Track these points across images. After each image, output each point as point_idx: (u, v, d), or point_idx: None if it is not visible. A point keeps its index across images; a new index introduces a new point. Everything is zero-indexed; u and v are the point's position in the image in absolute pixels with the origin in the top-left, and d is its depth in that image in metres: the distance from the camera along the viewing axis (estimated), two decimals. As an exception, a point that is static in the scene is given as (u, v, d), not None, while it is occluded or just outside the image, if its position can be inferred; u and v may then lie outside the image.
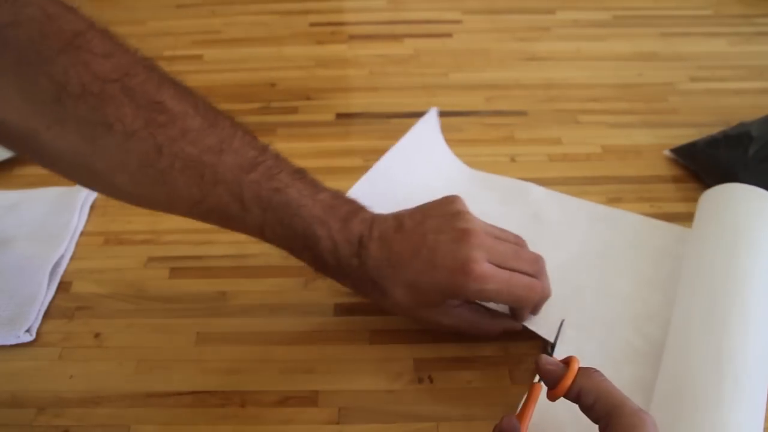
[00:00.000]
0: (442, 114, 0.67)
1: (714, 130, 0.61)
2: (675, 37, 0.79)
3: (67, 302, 0.50)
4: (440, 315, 0.44)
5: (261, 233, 0.42)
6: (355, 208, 0.43)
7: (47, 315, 0.49)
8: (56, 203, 0.57)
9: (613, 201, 0.56)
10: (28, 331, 0.47)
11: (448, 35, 0.80)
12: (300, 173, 0.43)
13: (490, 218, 0.47)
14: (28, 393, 0.44)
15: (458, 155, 0.62)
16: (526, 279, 0.43)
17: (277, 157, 0.42)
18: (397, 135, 0.64)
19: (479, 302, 0.45)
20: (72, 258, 0.53)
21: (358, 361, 0.46)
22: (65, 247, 0.53)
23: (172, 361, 0.46)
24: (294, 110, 0.69)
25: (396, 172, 0.56)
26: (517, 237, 0.46)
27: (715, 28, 0.80)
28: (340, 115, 0.68)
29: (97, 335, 0.47)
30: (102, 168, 0.38)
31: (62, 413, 0.43)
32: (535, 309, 0.45)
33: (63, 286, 0.51)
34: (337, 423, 0.42)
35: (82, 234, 0.55)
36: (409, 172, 0.57)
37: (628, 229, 0.54)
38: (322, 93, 0.71)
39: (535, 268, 0.44)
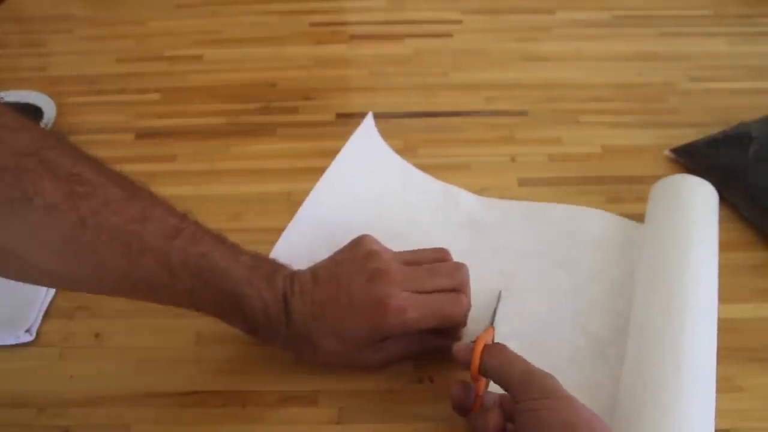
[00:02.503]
0: (443, 114, 0.67)
1: (714, 130, 0.61)
2: (675, 37, 0.78)
3: (67, 302, 0.50)
4: (371, 353, 0.43)
5: (191, 300, 0.41)
6: (276, 267, 0.43)
7: (47, 315, 0.49)
8: (56, 203, 0.56)
9: (613, 201, 0.56)
10: (28, 331, 0.47)
11: (448, 35, 0.80)
12: (220, 238, 0.42)
13: (425, 231, 0.50)
14: (28, 393, 0.44)
15: (458, 155, 0.62)
16: (445, 296, 0.43)
17: (197, 223, 0.42)
18: (397, 135, 0.64)
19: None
20: (72, 258, 0.53)
21: (358, 361, 0.46)
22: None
23: (172, 361, 0.46)
24: (294, 110, 0.69)
25: (343, 183, 0.56)
26: (436, 251, 0.46)
27: (714, 28, 0.80)
28: (340, 115, 0.68)
29: (97, 335, 0.47)
30: (20, 248, 0.36)
31: (62, 413, 0.43)
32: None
33: (63, 286, 0.51)
34: (338, 423, 0.42)
35: (82, 234, 0.55)
36: (355, 182, 0.57)
37: (561, 221, 0.54)
38: (322, 93, 0.71)
39: (455, 281, 0.44)
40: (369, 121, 0.61)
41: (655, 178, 0.54)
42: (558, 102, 0.69)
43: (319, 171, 0.60)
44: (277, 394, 0.44)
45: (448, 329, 0.44)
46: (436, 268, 0.44)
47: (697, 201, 0.50)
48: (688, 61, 0.74)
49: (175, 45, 0.79)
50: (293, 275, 0.43)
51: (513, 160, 0.62)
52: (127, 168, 0.61)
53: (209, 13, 0.85)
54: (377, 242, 0.45)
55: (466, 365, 0.39)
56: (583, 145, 0.63)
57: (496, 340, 0.42)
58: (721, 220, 0.55)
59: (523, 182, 0.59)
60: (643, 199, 0.56)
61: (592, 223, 0.54)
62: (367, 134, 0.61)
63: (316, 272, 0.43)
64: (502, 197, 0.57)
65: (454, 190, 0.58)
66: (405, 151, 0.63)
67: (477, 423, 0.38)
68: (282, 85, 0.72)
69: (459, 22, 0.82)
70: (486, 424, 0.37)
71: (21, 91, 0.70)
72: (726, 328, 0.47)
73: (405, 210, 0.56)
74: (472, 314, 0.45)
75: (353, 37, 0.81)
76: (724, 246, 0.53)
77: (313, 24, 0.83)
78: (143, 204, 0.40)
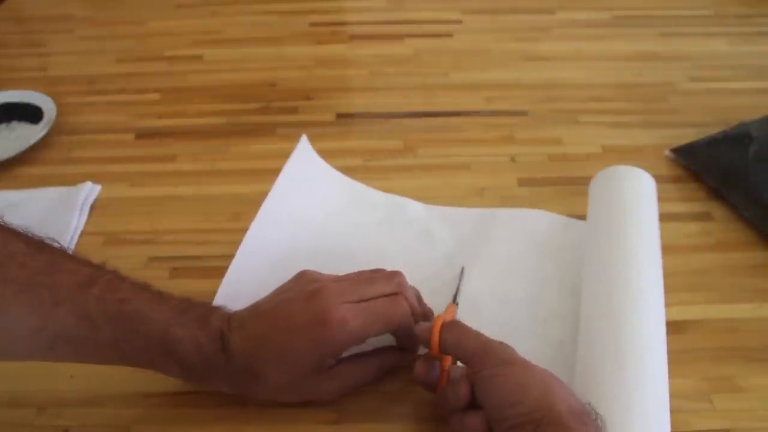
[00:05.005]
0: (443, 114, 0.67)
1: (714, 130, 0.61)
2: (675, 37, 0.79)
3: (67, 302, 0.49)
4: (324, 381, 0.41)
5: (117, 352, 0.39)
6: (211, 308, 0.41)
7: (47, 315, 0.48)
8: (56, 203, 0.57)
9: (613, 201, 0.56)
10: (28, 331, 0.47)
11: (448, 35, 0.80)
12: (142, 285, 0.40)
13: (375, 245, 0.51)
14: (28, 393, 0.44)
15: (458, 155, 0.62)
16: (384, 299, 0.41)
17: (115, 272, 0.39)
18: (397, 135, 0.64)
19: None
20: (72, 258, 0.53)
21: (358, 361, 0.46)
22: (66, 247, 0.52)
23: (172, 361, 0.46)
24: (294, 110, 0.69)
25: (285, 211, 0.54)
26: (371, 270, 0.45)
27: (714, 28, 0.80)
28: (340, 115, 0.68)
29: (97, 335, 0.47)
30: None
31: (62, 413, 0.43)
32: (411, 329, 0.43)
33: (63, 286, 0.51)
34: (336, 423, 0.42)
35: (82, 234, 0.55)
36: (297, 209, 0.55)
37: (512, 226, 0.54)
38: (322, 93, 0.71)
39: (392, 285, 0.43)
40: (304, 144, 0.59)
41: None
42: (558, 102, 0.69)
43: (319, 171, 0.60)
44: (277, 394, 0.44)
45: (403, 343, 0.44)
46: (372, 277, 0.43)
47: (625, 189, 0.50)
48: (688, 61, 0.74)
49: (175, 45, 0.79)
50: (231, 315, 0.41)
51: (513, 160, 0.62)
52: (127, 168, 0.62)
53: (209, 13, 0.85)
54: (318, 273, 0.43)
55: (427, 343, 0.41)
56: (583, 145, 0.63)
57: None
58: (721, 220, 0.55)
59: (523, 182, 0.59)
60: (643, 199, 0.57)
61: (542, 226, 0.54)
62: (303, 157, 0.58)
63: (256, 306, 0.42)
64: (502, 197, 0.58)
65: (401, 200, 0.57)
66: (405, 151, 0.63)
67: (448, 395, 0.39)
68: (282, 85, 0.72)
69: (459, 22, 0.82)
70: (457, 395, 0.38)
71: (21, 91, 0.70)
72: (726, 328, 0.47)
73: (353, 227, 0.55)
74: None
75: (353, 37, 0.81)
76: (724, 246, 0.53)
77: (313, 24, 0.83)
78: (51, 256, 0.37)
